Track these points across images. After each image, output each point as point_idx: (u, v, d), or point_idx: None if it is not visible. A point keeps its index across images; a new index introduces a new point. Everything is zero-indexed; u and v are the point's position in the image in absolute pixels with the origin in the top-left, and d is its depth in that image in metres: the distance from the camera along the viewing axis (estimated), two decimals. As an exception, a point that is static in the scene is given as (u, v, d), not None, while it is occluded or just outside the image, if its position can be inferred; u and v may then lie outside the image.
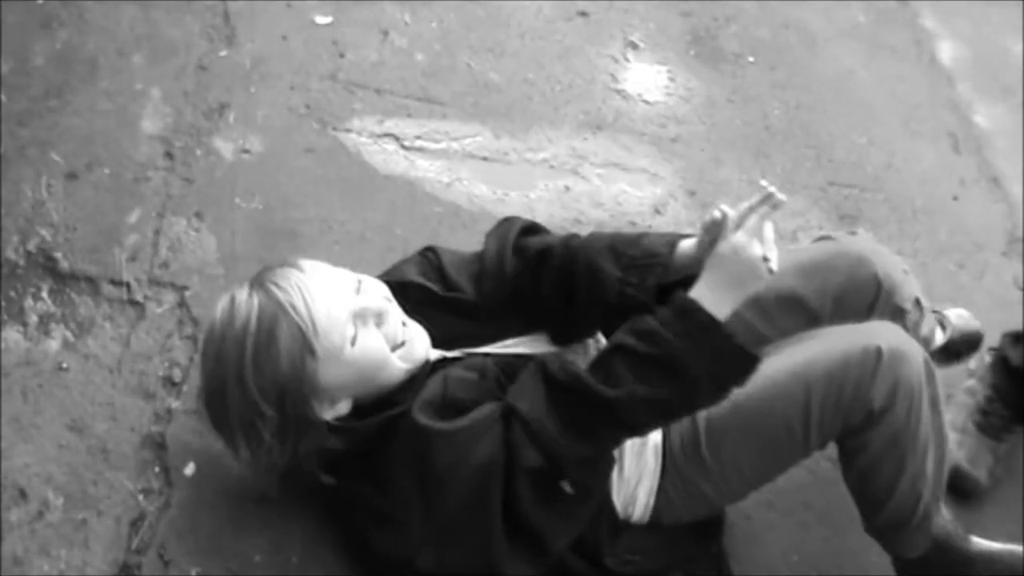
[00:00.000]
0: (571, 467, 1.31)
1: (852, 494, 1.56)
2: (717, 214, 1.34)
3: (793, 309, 1.61)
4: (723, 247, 1.32)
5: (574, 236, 1.53)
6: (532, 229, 1.59)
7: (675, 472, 1.50)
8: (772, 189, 1.32)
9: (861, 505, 1.56)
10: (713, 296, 1.31)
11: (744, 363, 1.31)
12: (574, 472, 1.32)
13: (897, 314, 1.63)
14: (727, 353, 1.30)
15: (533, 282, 1.50)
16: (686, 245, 1.44)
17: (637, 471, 1.50)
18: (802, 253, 1.69)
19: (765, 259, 1.32)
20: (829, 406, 1.43)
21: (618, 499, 1.49)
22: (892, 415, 1.42)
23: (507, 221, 1.60)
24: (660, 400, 1.30)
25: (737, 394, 1.46)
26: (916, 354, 1.44)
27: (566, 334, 1.54)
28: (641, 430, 1.39)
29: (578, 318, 1.49)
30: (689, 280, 1.35)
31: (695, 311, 1.29)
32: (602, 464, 1.39)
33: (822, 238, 1.73)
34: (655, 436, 1.51)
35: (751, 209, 1.33)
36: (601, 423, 1.31)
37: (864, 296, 1.60)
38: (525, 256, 1.52)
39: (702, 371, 1.29)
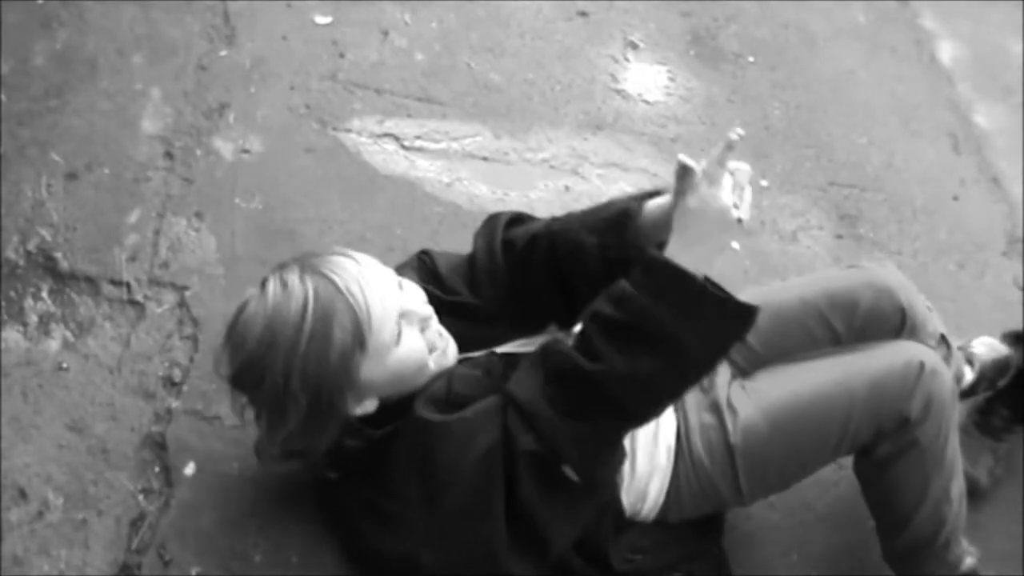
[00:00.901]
0: (569, 449, 1.28)
1: (874, 513, 1.57)
2: (689, 163, 1.27)
3: (819, 334, 1.62)
4: (690, 201, 1.25)
5: (555, 220, 1.48)
6: (517, 220, 1.55)
7: (694, 473, 1.50)
8: (733, 134, 1.25)
9: (883, 524, 1.56)
10: (687, 253, 1.25)
11: (729, 312, 1.24)
12: (573, 455, 1.28)
13: None
14: (704, 304, 1.22)
15: (527, 275, 1.47)
16: (658, 202, 1.38)
17: (649, 468, 1.49)
18: (830, 280, 1.69)
19: (735, 206, 1.26)
20: (868, 414, 1.45)
21: (627, 495, 1.49)
22: (923, 429, 1.45)
23: (493, 218, 1.56)
24: (644, 368, 1.23)
25: (778, 400, 1.48)
26: (950, 378, 1.49)
27: (573, 322, 1.50)
28: (636, 408, 1.30)
29: (579, 301, 1.40)
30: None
31: (663, 265, 1.23)
32: (607, 451, 1.35)
33: (851, 266, 1.75)
34: (668, 437, 1.51)
35: (716, 160, 1.26)
36: (591, 401, 1.26)
37: (889, 326, 1.61)
38: (514, 250, 1.49)
39: (681, 328, 1.22)
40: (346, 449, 1.38)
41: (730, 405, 1.52)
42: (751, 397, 1.53)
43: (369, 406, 1.39)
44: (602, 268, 1.36)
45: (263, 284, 1.32)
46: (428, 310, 1.40)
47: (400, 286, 1.38)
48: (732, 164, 1.28)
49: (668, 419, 1.52)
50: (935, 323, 1.67)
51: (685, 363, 1.27)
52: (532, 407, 1.28)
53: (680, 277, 1.22)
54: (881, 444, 1.47)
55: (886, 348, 1.54)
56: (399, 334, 1.34)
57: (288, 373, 1.27)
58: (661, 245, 1.30)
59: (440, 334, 1.42)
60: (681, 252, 1.25)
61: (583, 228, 1.41)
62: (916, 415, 1.44)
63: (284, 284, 1.29)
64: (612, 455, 1.37)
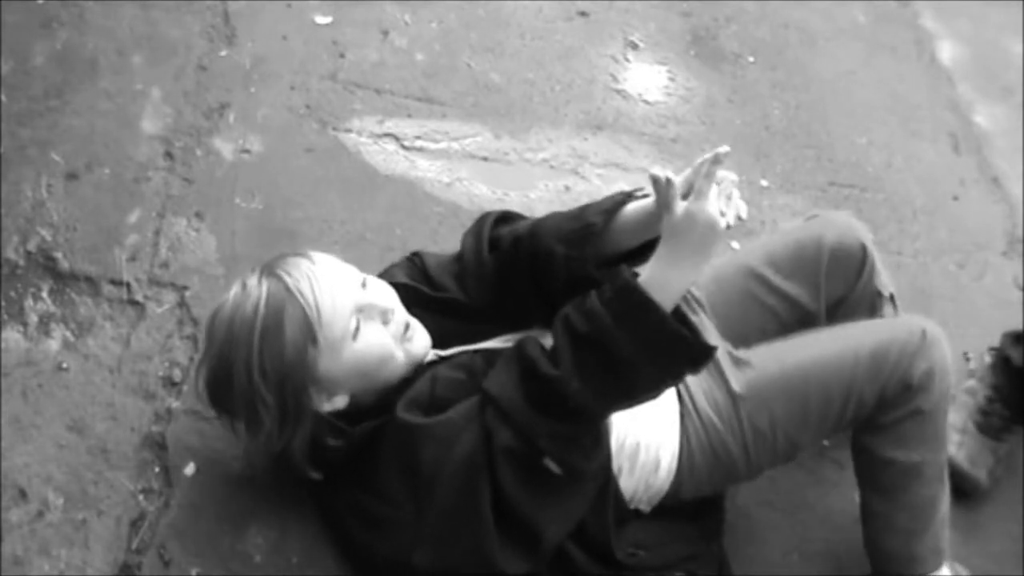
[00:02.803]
0: (546, 442, 1.29)
1: (870, 492, 1.57)
2: (660, 176, 1.28)
3: (795, 277, 1.66)
4: (677, 215, 1.27)
5: (540, 221, 1.50)
6: (505, 219, 1.57)
7: (704, 433, 1.51)
8: (720, 150, 1.27)
9: (877, 499, 1.55)
10: (674, 266, 1.27)
11: (685, 349, 1.26)
12: (551, 448, 1.30)
13: (877, 300, 1.70)
14: (663, 336, 1.25)
15: (510, 275, 1.49)
16: (638, 205, 1.40)
17: (656, 439, 1.50)
18: (792, 232, 1.76)
19: (722, 214, 1.28)
20: (872, 377, 1.47)
21: (634, 473, 1.49)
22: (927, 395, 1.48)
23: (482, 218, 1.58)
24: (597, 380, 1.26)
25: (782, 359, 1.52)
26: (949, 350, 1.52)
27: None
28: (594, 410, 1.33)
29: (559, 304, 1.39)
30: (651, 245, 1.33)
31: (631, 289, 1.25)
32: (587, 442, 1.36)
33: (809, 218, 1.80)
34: (670, 405, 1.52)
35: (698, 172, 1.29)
36: (555, 400, 1.28)
37: (853, 259, 1.67)
38: (500, 249, 1.51)
39: (636, 353, 1.25)
40: (329, 449, 1.39)
41: (734, 360, 1.54)
42: (757, 355, 1.56)
43: (339, 402, 1.41)
44: (567, 278, 1.39)
45: (230, 290, 1.40)
46: (389, 302, 1.42)
47: (363, 284, 1.41)
48: (719, 174, 1.29)
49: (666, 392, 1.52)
50: (887, 279, 1.73)
51: (635, 385, 1.31)
52: (507, 403, 1.30)
53: (644, 305, 1.24)
54: (885, 412, 1.49)
55: (888, 320, 1.62)
56: (356, 328, 1.37)
57: (250, 371, 1.33)
58: (651, 244, 1.31)
59: (407, 324, 1.43)
60: (668, 265, 1.28)
61: (555, 236, 1.42)
62: (919, 381, 1.46)
63: (244, 287, 1.38)
64: (592, 445, 1.37)
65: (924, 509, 1.52)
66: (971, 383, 1.92)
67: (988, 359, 1.95)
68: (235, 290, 1.39)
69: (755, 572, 1.65)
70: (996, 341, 1.94)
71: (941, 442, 1.52)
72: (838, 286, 1.67)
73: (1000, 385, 1.88)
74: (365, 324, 1.38)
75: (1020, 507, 1.80)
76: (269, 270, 1.38)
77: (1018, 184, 2.45)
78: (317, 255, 1.42)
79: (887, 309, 1.71)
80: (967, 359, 2.00)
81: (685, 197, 1.30)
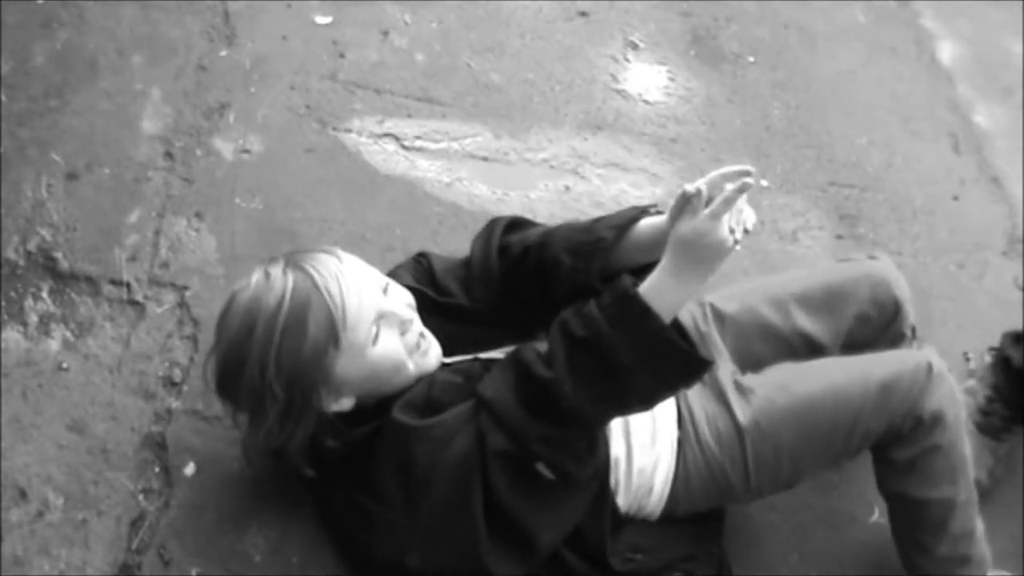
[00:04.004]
0: (538, 446, 1.28)
1: (909, 530, 1.56)
2: (691, 188, 1.26)
3: (819, 320, 1.65)
4: (685, 229, 1.26)
5: (551, 230, 1.49)
6: (516, 225, 1.56)
7: (702, 458, 1.50)
8: (748, 180, 1.24)
9: (919, 539, 1.54)
10: (676, 278, 1.26)
11: (681, 359, 1.25)
12: (543, 452, 1.29)
13: (898, 339, 1.70)
14: (661, 346, 1.24)
15: (517, 283, 1.49)
16: (651, 222, 1.40)
17: (652, 461, 1.49)
18: (828, 273, 1.74)
19: (731, 231, 1.26)
20: (879, 411, 1.47)
21: (627, 493, 1.49)
22: (942, 431, 1.47)
23: (492, 223, 1.58)
24: (591, 385, 1.25)
25: (791, 386, 1.51)
26: (953, 382, 1.53)
27: None
28: (589, 417, 1.31)
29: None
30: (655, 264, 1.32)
31: (631, 298, 1.24)
32: (580, 447, 1.35)
33: (844, 260, 1.80)
34: (669, 428, 1.51)
35: (713, 185, 1.27)
36: (549, 404, 1.27)
37: (884, 316, 1.67)
38: (509, 256, 1.50)
39: (632, 361, 1.23)
40: (326, 449, 1.39)
41: (740, 388, 1.53)
42: (763, 383, 1.54)
43: (345, 404, 1.40)
44: (572, 289, 1.39)
45: (251, 275, 1.36)
46: (409, 313, 1.41)
47: (385, 289, 1.39)
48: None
49: (667, 411, 1.52)
50: (912, 315, 1.72)
51: (629, 392, 1.29)
52: (500, 407, 1.29)
53: (642, 313, 1.23)
54: (900, 447, 1.49)
55: (895, 353, 1.61)
56: (376, 334, 1.35)
57: (264, 364, 1.30)
58: (659, 263, 1.30)
59: (422, 336, 1.43)
60: (671, 277, 1.27)
61: (564, 247, 1.42)
62: (930, 417, 1.46)
63: (267, 276, 1.34)
64: (586, 451, 1.37)
65: (965, 536, 1.53)
66: (971, 383, 1.92)
67: (988, 359, 1.95)
68: (256, 278, 1.34)
69: (755, 572, 1.65)
70: (996, 341, 1.95)
71: (966, 466, 1.52)
72: (860, 337, 1.67)
73: (1000, 385, 1.88)
74: (385, 331, 1.37)
75: (1020, 507, 1.80)
76: (295, 263, 1.34)
77: (1018, 184, 2.45)
78: (344, 254, 1.39)
79: (906, 345, 1.71)
80: (967, 359, 2.00)
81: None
